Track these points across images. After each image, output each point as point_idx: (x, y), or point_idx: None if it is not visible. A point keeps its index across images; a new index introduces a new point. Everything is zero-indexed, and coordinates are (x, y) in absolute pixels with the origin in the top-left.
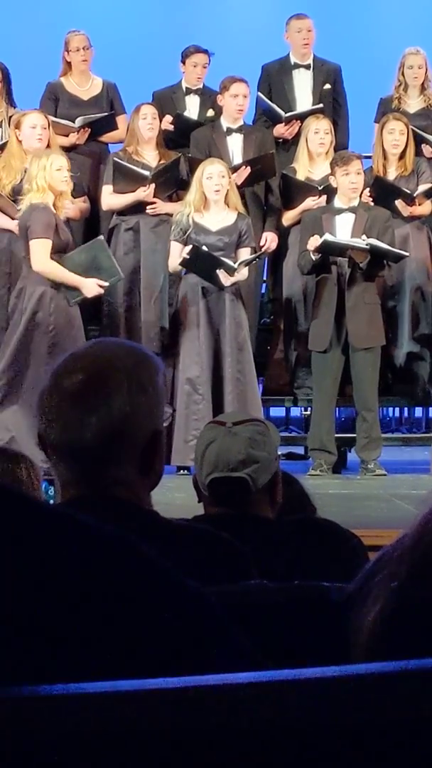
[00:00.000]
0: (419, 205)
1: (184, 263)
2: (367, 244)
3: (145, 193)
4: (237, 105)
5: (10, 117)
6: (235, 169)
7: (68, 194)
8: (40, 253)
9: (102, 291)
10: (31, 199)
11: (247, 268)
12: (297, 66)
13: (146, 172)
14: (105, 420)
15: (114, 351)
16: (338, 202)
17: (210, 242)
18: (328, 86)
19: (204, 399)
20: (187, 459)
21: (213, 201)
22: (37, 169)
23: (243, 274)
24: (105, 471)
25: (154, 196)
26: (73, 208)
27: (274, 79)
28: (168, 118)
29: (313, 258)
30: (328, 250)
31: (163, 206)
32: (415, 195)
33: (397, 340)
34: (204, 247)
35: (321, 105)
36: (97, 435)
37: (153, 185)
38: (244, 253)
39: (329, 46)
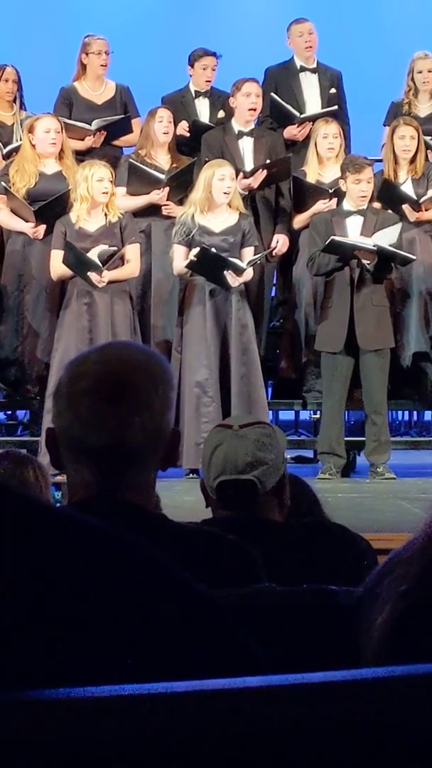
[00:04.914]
0: (426, 210)
1: (192, 265)
2: (374, 245)
3: (158, 196)
4: (250, 103)
5: (22, 121)
6: (252, 173)
7: (113, 204)
8: (51, 264)
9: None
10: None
11: (252, 267)
12: (303, 69)
13: (161, 175)
14: (148, 421)
15: (137, 352)
16: (347, 204)
17: (214, 243)
18: (333, 90)
19: (213, 401)
20: (198, 462)
21: (219, 203)
22: (79, 179)
23: (249, 273)
24: (128, 472)
25: (167, 199)
26: None
27: (281, 82)
28: (183, 124)
29: (338, 262)
30: (335, 250)
31: (175, 209)
32: (420, 201)
33: (405, 344)
34: (212, 249)
35: (335, 107)
36: (141, 436)
37: (167, 188)
38: (248, 253)
39: (341, 47)
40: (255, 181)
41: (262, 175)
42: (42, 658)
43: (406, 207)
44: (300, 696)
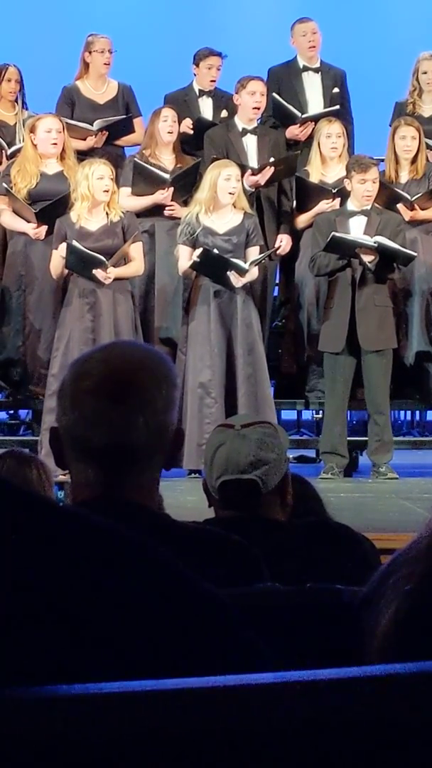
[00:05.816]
0: (421, 210)
1: (195, 266)
2: (375, 242)
3: (163, 195)
4: (254, 102)
5: (24, 120)
6: (260, 169)
7: (114, 202)
8: (51, 264)
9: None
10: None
11: (257, 267)
12: (306, 69)
13: (166, 175)
14: (151, 420)
15: (141, 352)
16: (351, 205)
17: (218, 244)
18: (336, 90)
19: (216, 402)
20: (200, 463)
21: (224, 203)
22: (80, 178)
23: (253, 273)
24: (132, 472)
25: (172, 200)
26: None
27: (284, 82)
28: (188, 121)
29: (338, 262)
30: (336, 247)
31: (179, 210)
32: (412, 199)
33: (407, 343)
34: (215, 250)
35: (337, 107)
36: (144, 435)
37: (172, 188)
38: (253, 252)
39: (346, 47)
40: (263, 178)
41: (269, 171)
42: (46, 655)
43: (401, 207)
44: (305, 694)
